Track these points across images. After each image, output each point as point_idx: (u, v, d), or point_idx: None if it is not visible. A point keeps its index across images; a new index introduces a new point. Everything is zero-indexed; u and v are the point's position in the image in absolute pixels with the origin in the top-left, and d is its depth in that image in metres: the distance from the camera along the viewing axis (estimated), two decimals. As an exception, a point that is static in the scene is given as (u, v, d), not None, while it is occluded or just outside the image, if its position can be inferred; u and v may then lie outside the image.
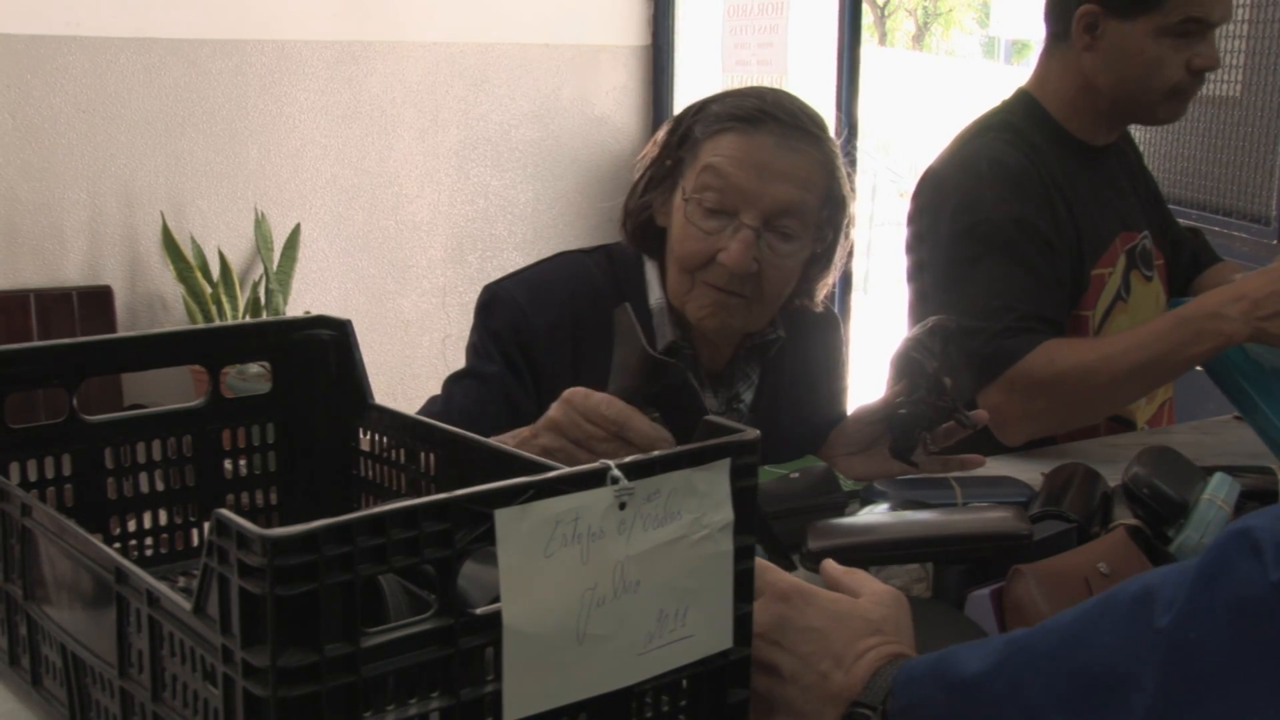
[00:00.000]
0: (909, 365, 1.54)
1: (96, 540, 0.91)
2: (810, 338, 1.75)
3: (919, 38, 25.19)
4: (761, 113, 1.52)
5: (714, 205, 1.52)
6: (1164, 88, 1.82)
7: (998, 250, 1.77)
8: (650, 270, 1.65)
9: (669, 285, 1.61)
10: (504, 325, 1.59)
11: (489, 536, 0.75)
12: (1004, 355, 1.72)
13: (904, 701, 0.87)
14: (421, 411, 1.54)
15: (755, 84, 2.07)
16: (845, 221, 1.61)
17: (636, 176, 1.65)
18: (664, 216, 1.61)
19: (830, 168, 1.55)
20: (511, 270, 1.69)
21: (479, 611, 0.76)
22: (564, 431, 1.26)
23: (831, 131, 1.60)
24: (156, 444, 1.20)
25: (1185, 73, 1.80)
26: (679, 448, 0.85)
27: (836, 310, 1.88)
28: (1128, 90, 1.84)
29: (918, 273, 1.90)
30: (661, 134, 1.64)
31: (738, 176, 1.50)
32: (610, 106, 4.60)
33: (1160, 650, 0.76)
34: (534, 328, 1.58)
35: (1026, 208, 1.80)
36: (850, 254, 1.68)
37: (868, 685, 0.89)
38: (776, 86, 1.72)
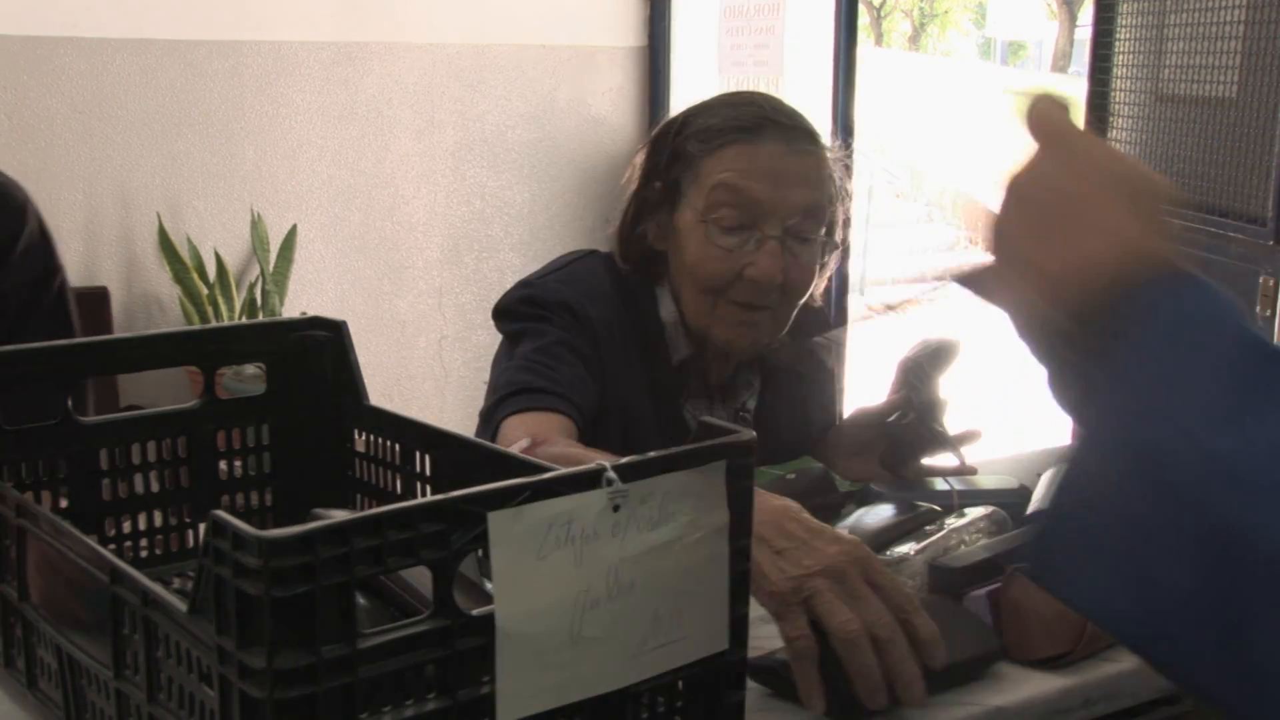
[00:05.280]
0: (902, 386, 1.54)
1: (92, 541, 0.91)
2: (806, 339, 1.74)
3: (915, 39, 25.21)
4: (762, 119, 1.50)
5: (733, 222, 1.49)
6: None
7: None
8: (658, 287, 1.61)
9: (687, 308, 1.57)
10: (558, 307, 1.52)
11: (485, 538, 0.75)
12: None
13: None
14: (486, 410, 1.47)
15: (751, 86, 2.06)
16: (846, 216, 1.61)
17: (624, 206, 1.61)
18: (661, 240, 1.57)
19: (829, 164, 1.55)
20: (511, 269, 1.68)
21: (475, 613, 0.76)
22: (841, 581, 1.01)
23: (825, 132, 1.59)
24: (152, 445, 1.20)
25: None
26: (675, 449, 0.84)
27: (832, 312, 1.89)
28: None
29: None
30: (641, 159, 1.60)
31: (753, 189, 1.48)
32: (607, 108, 4.60)
33: None
34: (590, 319, 1.53)
35: None
36: (846, 255, 1.67)
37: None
38: (756, 89, 1.71)
